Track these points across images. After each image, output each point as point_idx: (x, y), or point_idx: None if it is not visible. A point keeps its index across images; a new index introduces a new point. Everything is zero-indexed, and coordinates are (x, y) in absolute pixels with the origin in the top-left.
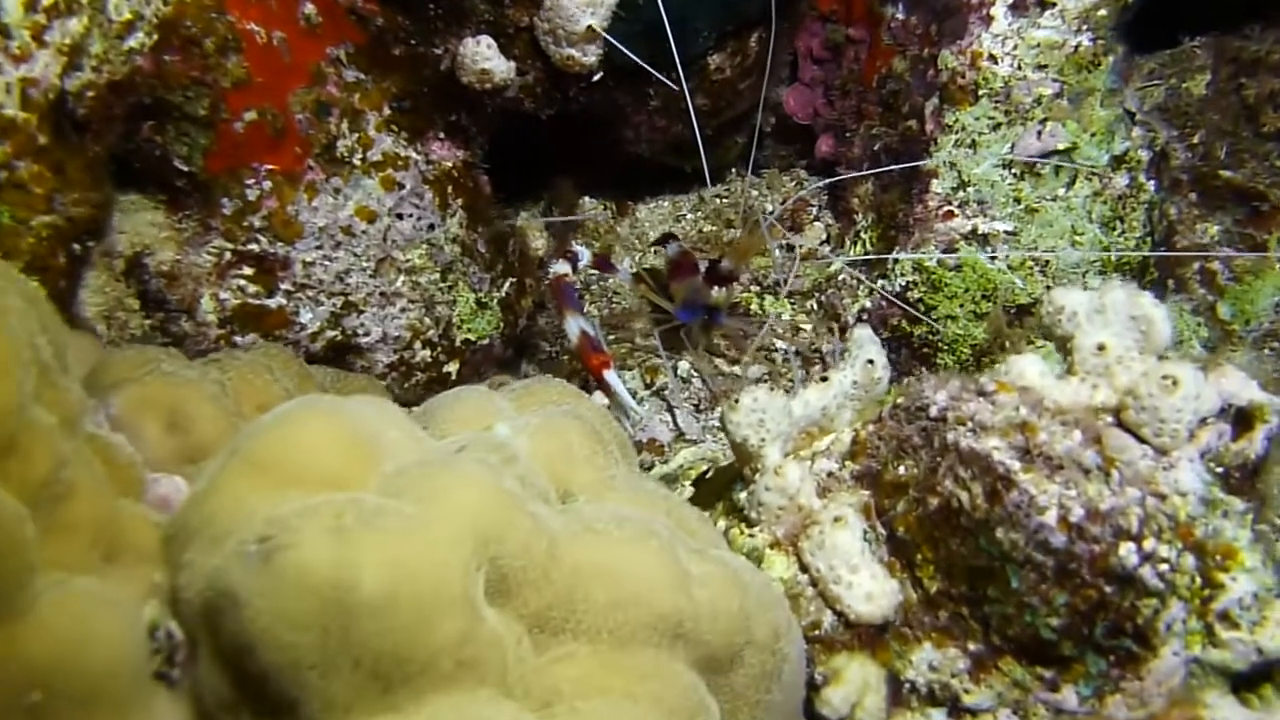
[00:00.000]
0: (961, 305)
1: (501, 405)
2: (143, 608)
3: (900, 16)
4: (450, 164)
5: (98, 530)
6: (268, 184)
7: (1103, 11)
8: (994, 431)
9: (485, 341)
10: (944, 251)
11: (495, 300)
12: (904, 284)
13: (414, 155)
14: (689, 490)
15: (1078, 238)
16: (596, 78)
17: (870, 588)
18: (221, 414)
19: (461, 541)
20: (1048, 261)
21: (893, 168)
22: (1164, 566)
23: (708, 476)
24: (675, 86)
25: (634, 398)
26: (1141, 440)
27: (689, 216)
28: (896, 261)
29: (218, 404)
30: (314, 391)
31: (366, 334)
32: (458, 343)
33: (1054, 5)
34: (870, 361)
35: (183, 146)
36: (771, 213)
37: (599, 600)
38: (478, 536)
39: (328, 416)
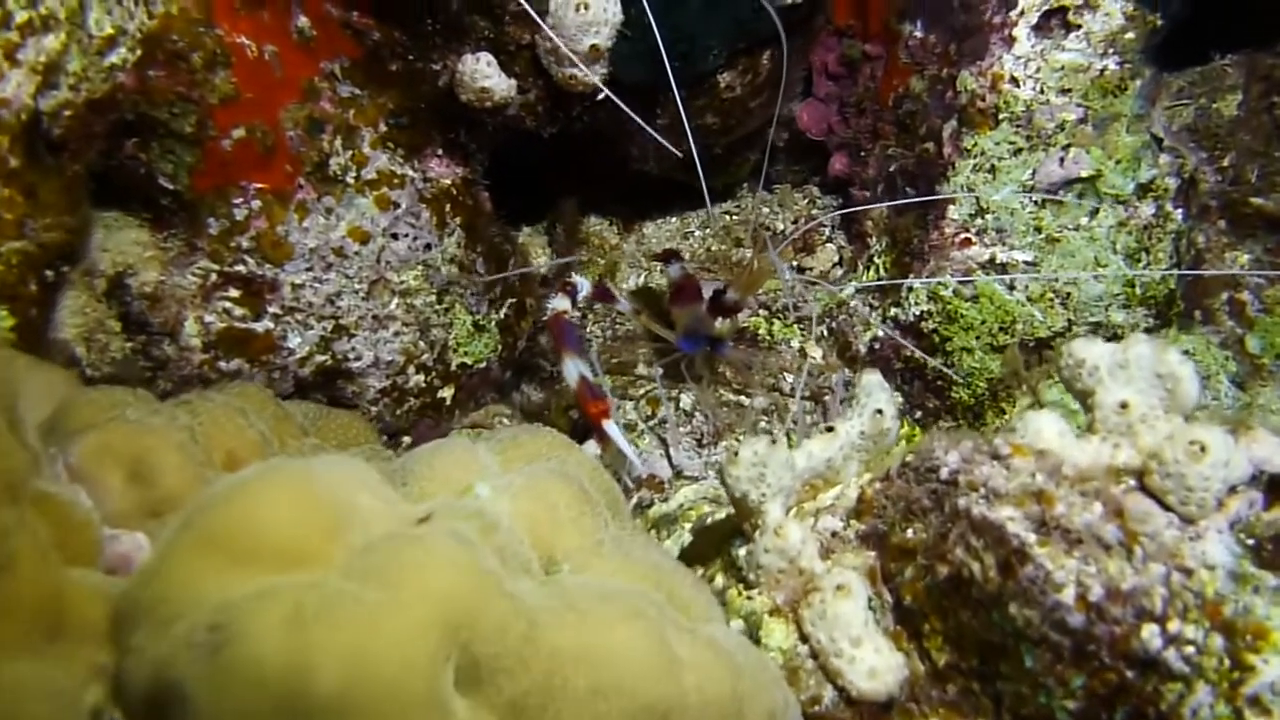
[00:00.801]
0: (978, 337)
1: (485, 461)
2: (85, 692)
3: (919, 34)
4: (449, 182)
5: (39, 607)
6: (256, 203)
7: (1130, 35)
8: (1008, 500)
9: (482, 365)
10: (960, 281)
11: (493, 322)
12: (918, 314)
13: (410, 173)
14: (688, 537)
15: (1101, 269)
16: (600, 96)
17: (874, 663)
18: (189, 463)
19: (429, 632)
20: (1069, 294)
21: (910, 201)
22: (1190, 649)
23: (708, 524)
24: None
25: (633, 432)
26: (1166, 508)
27: (697, 234)
28: (911, 290)
29: (184, 453)
30: (292, 432)
31: (358, 359)
32: (453, 367)
33: (1079, 27)
34: (879, 411)
35: (168, 164)
36: (781, 233)
37: (579, 687)
38: (447, 623)
39: (290, 486)
